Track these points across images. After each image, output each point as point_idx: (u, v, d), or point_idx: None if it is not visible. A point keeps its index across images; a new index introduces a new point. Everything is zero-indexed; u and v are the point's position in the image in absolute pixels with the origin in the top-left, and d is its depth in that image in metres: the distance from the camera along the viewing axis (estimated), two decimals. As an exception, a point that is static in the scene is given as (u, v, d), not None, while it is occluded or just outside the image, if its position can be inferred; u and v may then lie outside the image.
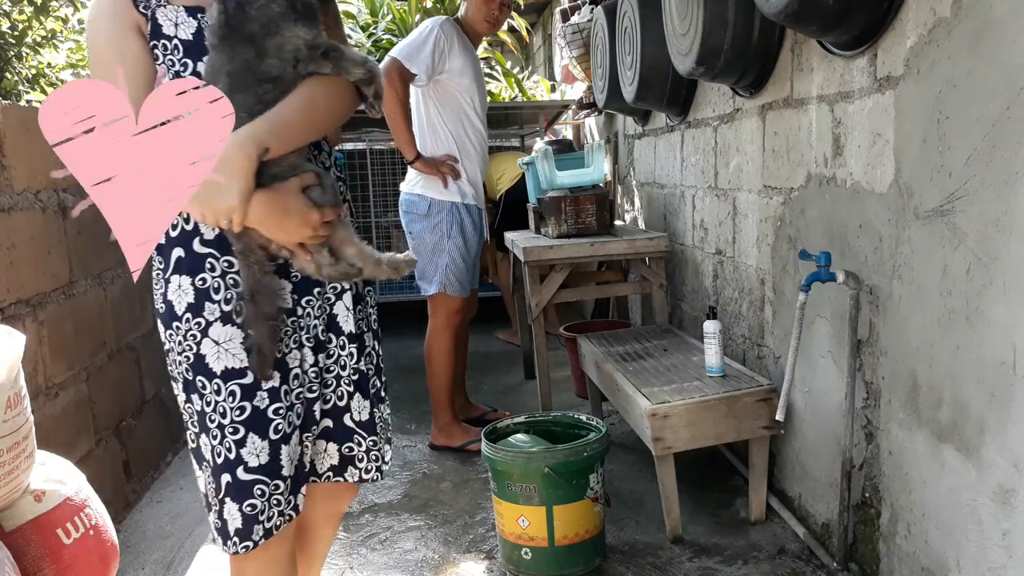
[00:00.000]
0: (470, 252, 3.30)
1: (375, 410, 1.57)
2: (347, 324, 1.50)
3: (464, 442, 3.27)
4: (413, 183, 3.27)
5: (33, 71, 4.24)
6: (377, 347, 1.62)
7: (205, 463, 1.42)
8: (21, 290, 2.24)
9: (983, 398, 1.56)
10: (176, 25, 1.33)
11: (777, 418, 2.14)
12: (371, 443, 1.57)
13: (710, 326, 2.51)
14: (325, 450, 1.55)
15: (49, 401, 2.35)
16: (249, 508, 1.38)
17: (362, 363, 1.54)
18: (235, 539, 1.40)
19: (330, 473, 1.56)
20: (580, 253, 3.33)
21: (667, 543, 2.40)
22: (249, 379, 1.37)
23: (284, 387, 1.40)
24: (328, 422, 1.53)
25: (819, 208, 2.20)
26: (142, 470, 2.99)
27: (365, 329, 1.57)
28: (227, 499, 1.39)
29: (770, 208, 2.51)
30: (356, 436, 1.55)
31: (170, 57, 1.33)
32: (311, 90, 1.31)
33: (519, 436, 2.41)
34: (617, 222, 4.15)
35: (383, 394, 1.63)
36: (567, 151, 4.39)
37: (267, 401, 1.38)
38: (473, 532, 2.58)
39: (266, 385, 1.37)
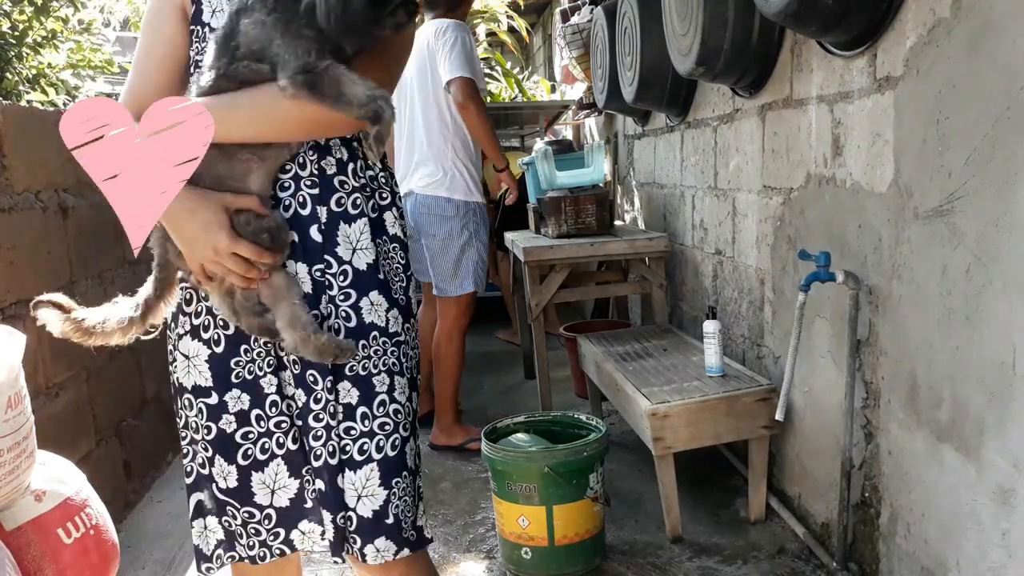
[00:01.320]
0: (487, 248, 3.42)
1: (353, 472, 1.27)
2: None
3: (465, 440, 3.28)
4: (435, 185, 3.26)
5: (33, 71, 4.24)
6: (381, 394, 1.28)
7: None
8: (21, 290, 2.24)
9: (982, 398, 1.56)
10: (213, 12, 1.27)
11: (777, 418, 2.14)
12: (341, 520, 1.28)
13: (710, 326, 2.52)
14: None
15: (49, 401, 2.35)
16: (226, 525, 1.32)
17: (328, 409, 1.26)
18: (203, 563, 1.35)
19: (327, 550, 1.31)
20: (580, 253, 3.33)
21: (667, 543, 2.40)
22: (214, 399, 1.28)
23: (256, 411, 1.28)
24: (320, 483, 1.28)
25: (819, 208, 2.20)
26: (142, 470, 2.99)
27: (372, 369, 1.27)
28: (198, 518, 1.35)
29: (770, 208, 2.52)
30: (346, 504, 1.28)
31: (197, 45, 1.27)
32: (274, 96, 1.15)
33: (519, 436, 2.41)
34: (617, 222, 4.15)
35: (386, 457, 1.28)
36: (567, 151, 4.39)
37: (234, 424, 1.28)
38: (473, 532, 2.58)
39: (233, 408, 1.27)
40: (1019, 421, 1.47)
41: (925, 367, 1.76)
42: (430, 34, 3.19)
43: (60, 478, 1.65)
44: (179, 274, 1.27)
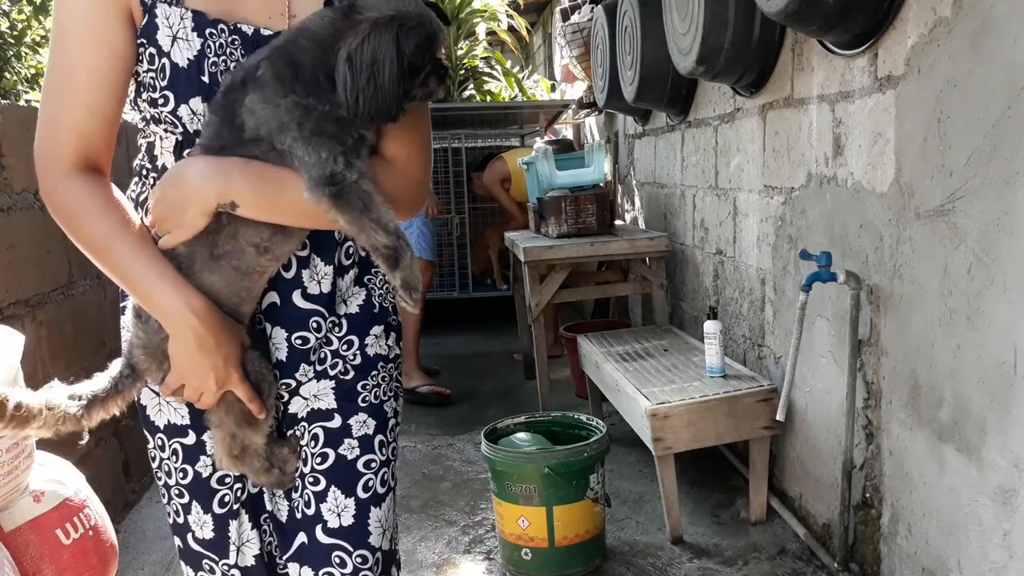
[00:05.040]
0: (426, 223, 4.22)
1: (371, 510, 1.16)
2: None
3: (415, 385, 3.84)
4: None
5: (32, 71, 4.24)
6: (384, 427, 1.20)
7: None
8: (21, 290, 2.24)
9: (984, 398, 1.56)
10: (174, 39, 1.01)
11: (778, 418, 2.14)
12: (358, 559, 1.14)
13: (710, 326, 2.51)
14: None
15: (49, 401, 2.34)
16: None
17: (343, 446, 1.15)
18: None
19: None
20: (580, 253, 3.33)
21: (667, 543, 2.40)
22: (191, 439, 1.14)
23: None
24: (303, 537, 1.15)
25: (820, 208, 2.20)
26: (141, 470, 2.98)
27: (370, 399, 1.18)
28: (182, 561, 1.23)
29: (771, 208, 2.51)
30: (337, 553, 1.14)
31: (150, 76, 1.02)
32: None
33: (519, 436, 2.41)
34: (617, 222, 4.14)
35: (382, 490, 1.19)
36: (567, 151, 4.40)
37: (210, 468, 1.15)
38: (473, 532, 2.58)
39: (210, 449, 1.14)
40: (1020, 421, 1.46)
41: (926, 367, 1.75)
42: None
43: (59, 479, 1.64)
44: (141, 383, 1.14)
